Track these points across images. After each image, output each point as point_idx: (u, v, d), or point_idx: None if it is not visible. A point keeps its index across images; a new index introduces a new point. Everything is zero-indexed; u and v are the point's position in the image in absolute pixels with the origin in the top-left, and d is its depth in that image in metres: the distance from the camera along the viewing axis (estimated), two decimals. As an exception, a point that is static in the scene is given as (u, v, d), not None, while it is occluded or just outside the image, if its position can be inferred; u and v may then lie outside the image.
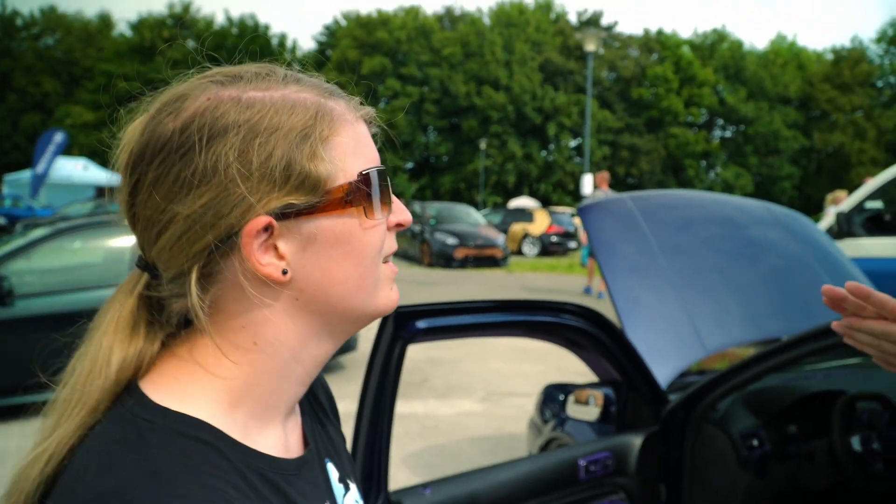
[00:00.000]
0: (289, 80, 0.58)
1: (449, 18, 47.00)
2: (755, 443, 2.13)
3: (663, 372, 2.34)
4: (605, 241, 2.77)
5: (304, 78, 0.60)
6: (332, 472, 0.67)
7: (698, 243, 2.94)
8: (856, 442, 2.12)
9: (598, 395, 2.36)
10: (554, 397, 3.06)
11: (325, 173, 0.56)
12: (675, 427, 2.13)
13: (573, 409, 2.48)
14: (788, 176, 44.85)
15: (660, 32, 47.11)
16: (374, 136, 0.63)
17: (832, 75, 44.22)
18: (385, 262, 0.63)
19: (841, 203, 9.61)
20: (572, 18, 47.14)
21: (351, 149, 0.58)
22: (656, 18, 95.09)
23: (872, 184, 5.96)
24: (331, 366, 5.88)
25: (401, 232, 16.05)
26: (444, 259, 15.48)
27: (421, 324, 1.64)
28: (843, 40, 64.23)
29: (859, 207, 6.01)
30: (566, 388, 2.95)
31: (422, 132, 45.40)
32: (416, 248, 16.49)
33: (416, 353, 6.06)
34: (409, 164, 46.30)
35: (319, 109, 0.57)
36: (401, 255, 17.57)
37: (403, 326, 1.61)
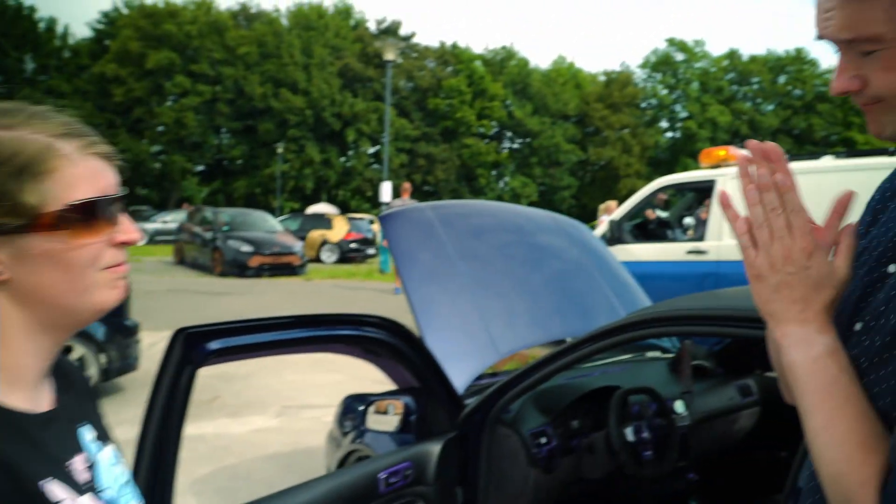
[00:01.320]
0: (33, 118, 0.72)
1: (244, 16, 45.29)
2: (543, 440, 2.24)
3: (461, 377, 2.40)
4: (404, 249, 2.79)
5: (51, 116, 0.73)
6: (87, 433, 0.81)
7: (492, 250, 3.06)
8: (629, 432, 2.32)
9: (397, 405, 2.36)
10: (353, 408, 3.02)
11: (34, 202, 0.70)
12: (472, 431, 2.19)
13: (373, 420, 2.46)
14: (568, 186, 48.86)
15: (455, 46, 49.12)
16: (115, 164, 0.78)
17: (604, 96, 48.96)
18: (109, 268, 0.76)
19: (612, 212, 10.64)
20: (372, 26, 47.63)
21: (68, 182, 0.71)
22: (452, 32, 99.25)
23: (636, 196, 6.64)
24: (109, 387, 5.36)
25: (190, 239, 15.06)
26: (237, 267, 14.83)
27: (213, 345, 1.52)
28: (613, 65, 71.57)
29: (627, 216, 6.67)
30: (365, 399, 2.92)
31: (214, 133, 43.28)
32: (208, 256, 15.64)
33: (206, 369, 5.72)
34: (200, 167, 43.90)
35: (43, 150, 0.71)
36: (190, 264, 16.57)
37: (193, 348, 1.48)
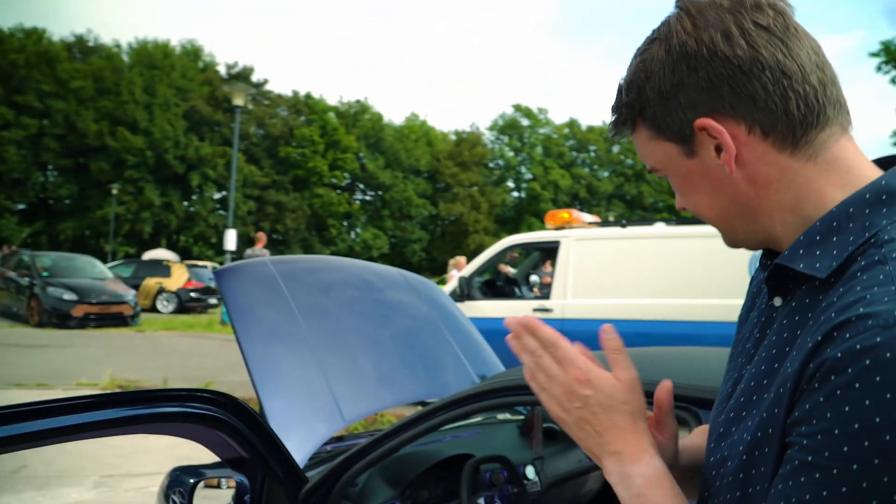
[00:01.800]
0: None
1: (80, 49, 42.50)
2: (392, 516, 2.08)
3: (301, 448, 2.20)
4: (242, 305, 2.57)
5: None
6: None
7: (338, 307, 2.90)
8: (481, 503, 2.22)
9: (231, 481, 2.11)
10: (182, 481, 2.69)
11: None
12: (313, 510, 1.98)
13: (202, 498, 2.18)
14: (419, 239, 49.59)
15: (308, 96, 48.95)
16: None
17: (455, 154, 50.60)
18: None
19: (462, 267, 10.80)
20: (222, 70, 46.37)
21: None
22: (305, 82, 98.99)
23: (484, 255, 6.75)
24: None
25: (3, 285, 13.69)
26: (58, 317, 13.47)
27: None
28: (464, 125, 74.57)
29: (477, 272, 6.74)
30: (196, 472, 2.61)
31: (39, 170, 39.82)
32: (23, 304, 14.11)
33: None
34: (21, 206, 40.07)
35: None
36: (1, 312, 14.84)
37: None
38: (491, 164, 54.21)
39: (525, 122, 55.29)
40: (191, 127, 41.90)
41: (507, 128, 55.03)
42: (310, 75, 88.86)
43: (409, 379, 2.88)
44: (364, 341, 2.83)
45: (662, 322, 5.63)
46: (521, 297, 7.22)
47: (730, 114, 0.71)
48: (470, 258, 11.32)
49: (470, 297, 6.36)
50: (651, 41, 0.77)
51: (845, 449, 0.58)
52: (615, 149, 55.69)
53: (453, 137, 53.50)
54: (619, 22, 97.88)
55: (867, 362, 0.57)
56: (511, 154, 54.91)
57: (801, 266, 0.69)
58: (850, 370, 0.58)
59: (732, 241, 0.83)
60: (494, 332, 6.18)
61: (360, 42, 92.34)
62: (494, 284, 7.47)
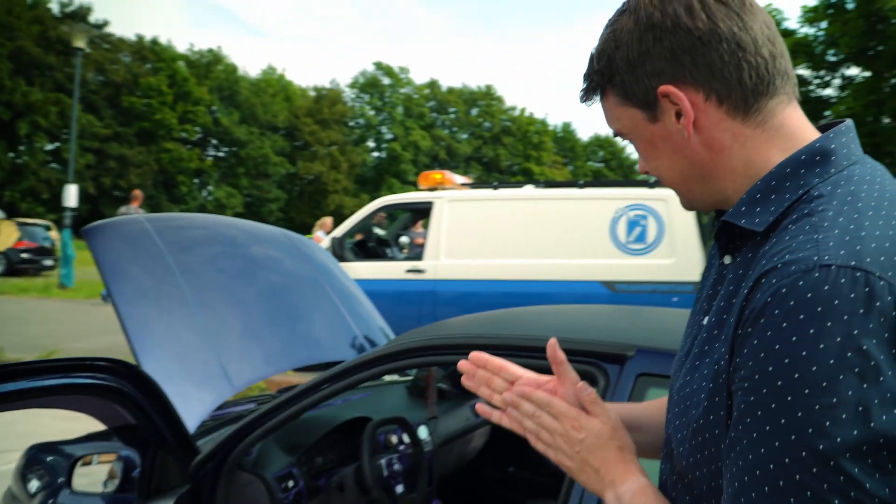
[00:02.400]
0: None
1: None
2: (290, 483, 2.01)
3: (190, 415, 2.06)
4: (116, 265, 2.35)
5: None
6: None
7: (221, 268, 2.74)
8: (381, 465, 2.20)
9: (110, 457, 1.95)
10: (41, 460, 2.46)
11: None
12: (207, 482, 1.88)
13: (79, 477, 1.99)
14: (276, 199, 48.07)
15: (155, 42, 45.56)
16: None
17: (314, 111, 49.26)
18: None
19: (328, 228, 10.58)
20: (54, 8, 41.94)
21: None
22: (151, 27, 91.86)
23: (356, 215, 6.65)
24: None
25: None
26: None
27: None
28: (324, 81, 72.39)
29: (349, 234, 6.64)
30: (57, 449, 2.38)
31: None
32: None
33: None
34: None
35: None
36: None
37: None
38: (351, 123, 53.35)
39: (386, 80, 54.74)
40: (17, 70, 37.75)
41: (368, 86, 54.26)
42: (156, 20, 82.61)
43: (297, 342, 2.79)
44: (250, 304, 2.69)
45: (532, 282, 5.83)
46: (393, 259, 7.19)
47: (690, 82, 0.77)
48: (331, 219, 11.13)
49: (343, 259, 6.24)
50: (621, 13, 0.82)
51: (779, 383, 0.63)
52: (474, 111, 56.59)
53: (313, 94, 52.00)
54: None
55: (791, 303, 0.63)
56: (372, 113, 54.29)
57: (743, 222, 0.76)
58: (776, 311, 0.64)
59: (689, 203, 0.88)
60: (368, 293, 6.11)
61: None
62: (365, 245, 7.39)
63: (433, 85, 56.12)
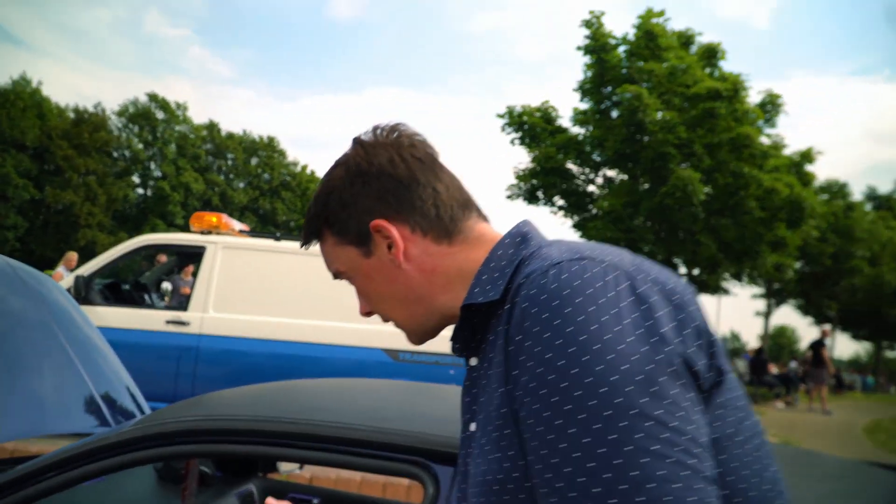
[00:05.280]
0: None
1: None
2: None
3: None
4: None
5: None
6: None
7: None
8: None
9: None
10: None
11: None
12: None
13: None
14: (14, 226, 42.10)
15: None
16: None
17: (72, 134, 44.39)
18: None
19: (73, 265, 9.24)
20: None
21: None
22: None
23: (111, 252, 5.77)
24: None
25: None
26: None
27: None
28: (87, 104, 65.46)
29: (99, 273, 5.71)
30: None
31: None
32: None
33: None
34: None
35: None
36: None
37: None
38: (115, 154, 48.96)
39: (161, 114, 51.34)
40: None
41: (139, 116, 50.42)
42: None
43: (13, 406, 2.12)
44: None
45: (308, 344, 5.39)
46: (151, 306, 6.33)
47: (396, 217, 0.89)
48: (80, 255, 9.77)
49: (87, 301, 5.32)
50: (335, 166, 0.94)
51: (551, 378, 0.67)
52: (254, 160, 54.98)
53: (72, 115, 47.03)
54: (258, 39, 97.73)
55: (533, 310, 0.70)
56: (141, 146, 50.34)
57: (481, 299, 0.82)
58: (526, 323, 0.70)
59: (418, 333, 0.95)
60: (117, 343, 5.27)
61: (-39, -20, 76.19)
62: (118, 288, 6.44)
63: (212, 127, 53.70)
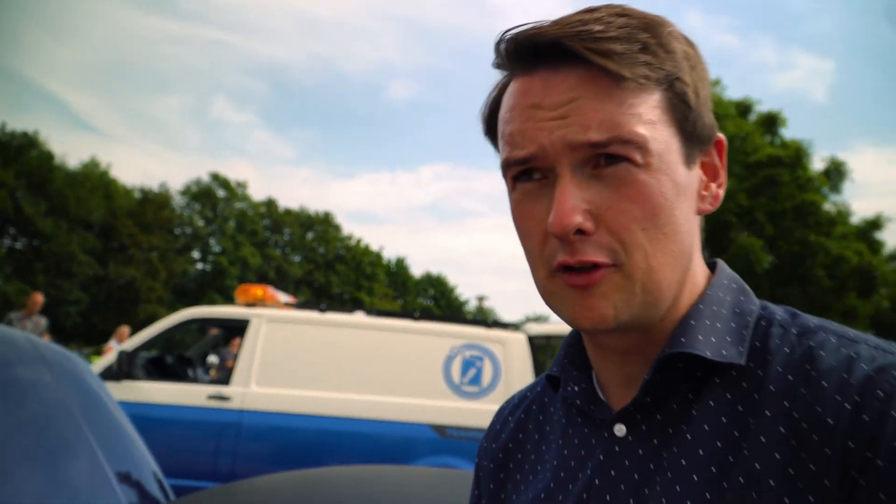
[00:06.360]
0: None
1: None
2: None
3: None
4: None
5: None
6: None
7: None
8: None
9: None
10: None
11: None
12: None
13: None
14: (76, 301, 43.52)
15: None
16: None
17: (137, 212, 46.21)
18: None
19: (124, 339, 9.26)
20: None
21: None
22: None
23: (157, 327, 5.67)
24: None
25: None
26: None
27: None
28: (153, 184, 68.40)
29: (144, 347, 5.60)
30: None
31: None
32: None
33: None
34: None
35: None
36: None
37: None
38: (177, 231, 50.65)
39: (221, 192, 53.18)
40: None
41: (201, 195, 52.33)
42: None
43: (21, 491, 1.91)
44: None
45: (353, 419, 5.13)
46: (195, 381, 6.18)
47: None
48: (138, 330, 9.82)
49: (130, 376, 5.20)
50: None
51: None
52: (309, 235, 56.12)
53: (139, 195, 49.07)
54: (318, 121, 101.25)
55: None
56: (202, 223, 52.05)
57: (711, 355, 0.63)
58: None
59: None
60: (156, 420, 5.03)
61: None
62: (163, 362, 6.33)
63: (270, 203, 55.32)
